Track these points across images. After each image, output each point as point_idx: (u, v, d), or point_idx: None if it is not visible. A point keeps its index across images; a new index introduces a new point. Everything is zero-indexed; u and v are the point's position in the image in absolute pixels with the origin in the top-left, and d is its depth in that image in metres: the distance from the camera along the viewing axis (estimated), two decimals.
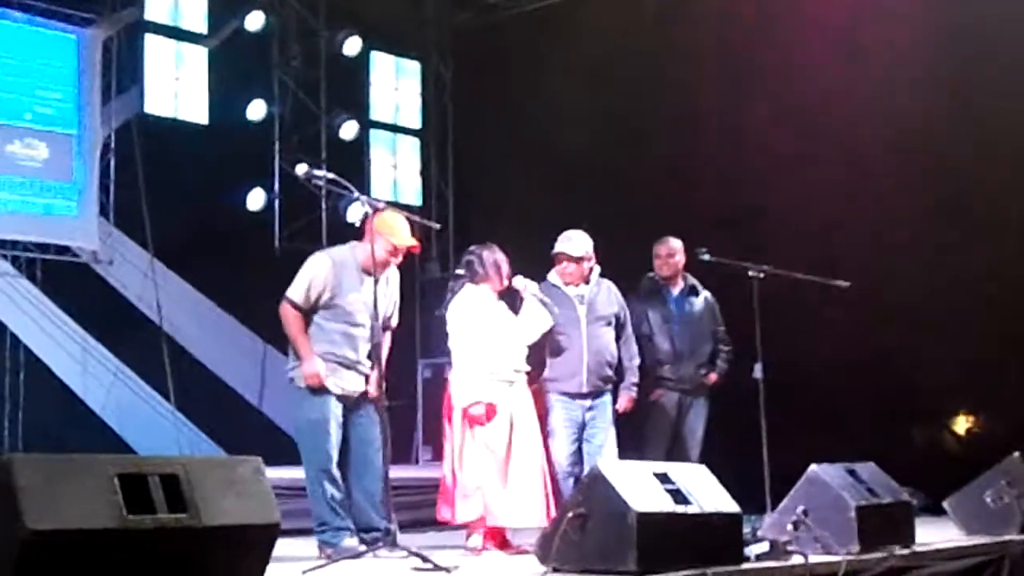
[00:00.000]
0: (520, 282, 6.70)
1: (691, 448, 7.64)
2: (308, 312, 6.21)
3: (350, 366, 6.24)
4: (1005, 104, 9.13)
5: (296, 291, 6.23)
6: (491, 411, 6.42)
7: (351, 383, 6.24)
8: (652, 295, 7.80)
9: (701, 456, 7.44)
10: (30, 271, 10.56)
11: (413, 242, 6.37)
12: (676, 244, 7.79)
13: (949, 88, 9.31)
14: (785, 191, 9.58)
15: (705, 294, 7.88)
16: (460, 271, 6.74)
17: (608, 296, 7.02)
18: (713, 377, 7.80)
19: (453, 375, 6.62)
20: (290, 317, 6.22)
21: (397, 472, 7.42)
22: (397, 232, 6.28)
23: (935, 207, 9.30)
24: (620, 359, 7.07)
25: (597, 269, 7.02)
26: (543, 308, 6.67)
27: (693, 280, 7.87)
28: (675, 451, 7.55)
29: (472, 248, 6.74)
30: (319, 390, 6.13)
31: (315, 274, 6.21)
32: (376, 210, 6.22)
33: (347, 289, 6.22)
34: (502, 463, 6.39)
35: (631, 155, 10.60)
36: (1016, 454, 6.96)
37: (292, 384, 6.27)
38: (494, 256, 6.65)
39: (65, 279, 10.63)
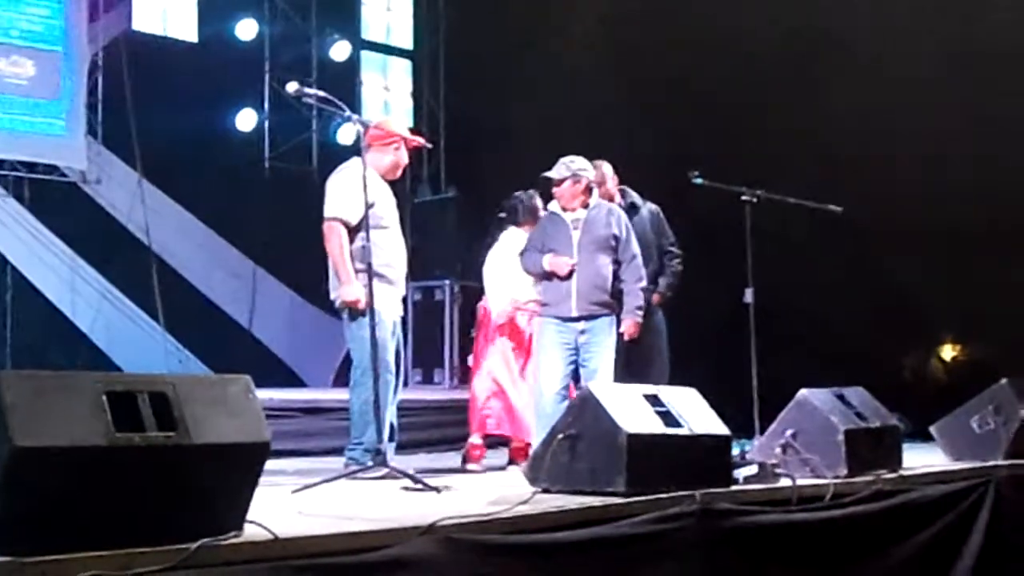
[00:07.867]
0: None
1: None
2: (354, 229, 6.04)
3: (394, 282, 6.19)
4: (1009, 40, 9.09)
5: (339, 207, 6.02)
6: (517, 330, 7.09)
7: (395, 308, 6.21)
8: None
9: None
10: (17, 190, 10.48)
11: (420, 140, 6.57)
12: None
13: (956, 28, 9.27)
14: (784, 116, 9.53)
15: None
16: (502, 214, 7.35)
17: (606, 219, 6.83)
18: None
19: (489, 301, 7.24)
20: (337, 236, 6.01)
21: None
22: (402, 127, 6.48)
23: (931, 135, 9.25)
24: (622, 283, 6.80)
25: (596, 191, 6.95)
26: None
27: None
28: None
29: (517, 194, 7.35)
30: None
31: (352, 183, 5.97)
32: (368, 126, 6.19)
33: (381, 195, 6.18)
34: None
35: (634, 76, 10.44)
36: (1003, 380, 6.98)
37: (338, 306, 6.14)
38: (533, 202, 7.26)
39: (53, 198, 10.55)
